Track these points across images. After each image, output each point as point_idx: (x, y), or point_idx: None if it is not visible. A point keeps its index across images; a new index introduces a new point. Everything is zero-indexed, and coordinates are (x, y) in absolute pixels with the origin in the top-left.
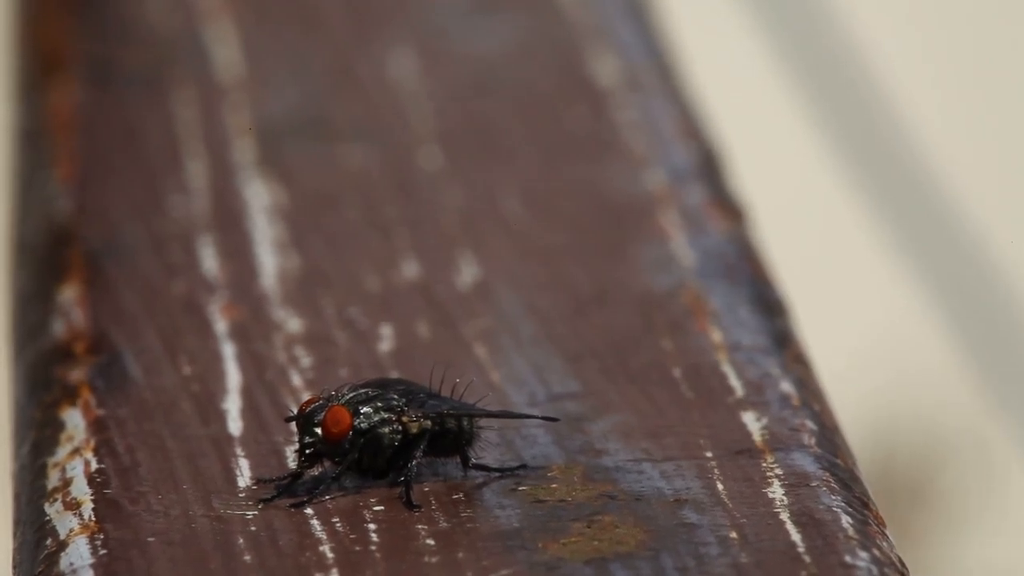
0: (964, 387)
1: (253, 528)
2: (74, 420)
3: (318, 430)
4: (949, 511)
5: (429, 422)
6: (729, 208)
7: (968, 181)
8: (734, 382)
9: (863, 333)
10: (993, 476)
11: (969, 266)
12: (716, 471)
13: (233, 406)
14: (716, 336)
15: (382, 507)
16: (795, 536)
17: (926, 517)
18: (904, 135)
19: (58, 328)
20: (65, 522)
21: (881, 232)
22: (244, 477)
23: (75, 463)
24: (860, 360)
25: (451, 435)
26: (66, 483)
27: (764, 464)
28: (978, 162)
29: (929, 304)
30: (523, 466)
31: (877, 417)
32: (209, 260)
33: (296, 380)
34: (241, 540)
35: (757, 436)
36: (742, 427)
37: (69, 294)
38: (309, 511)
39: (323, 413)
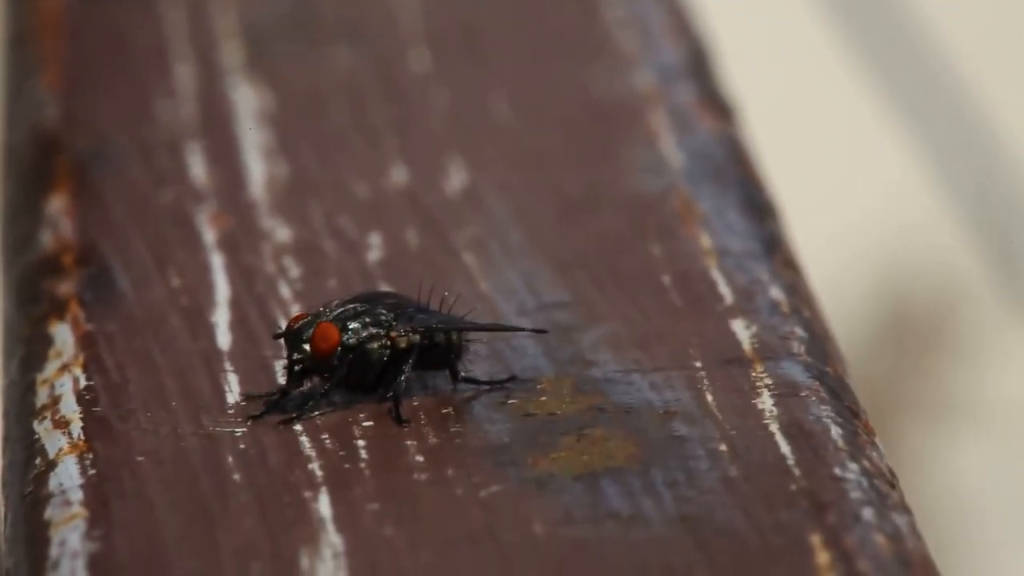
0: (968, 240)
1: (242, 446)
2: (63, 335)
3: (306, 346)
4: (964, 348)
5: (417, 337)
6: (718, 107)
7: (964, 37)
8: (723, 289)
9: (868, 193)
10: (1004, 313)
11: (965, 123)
12: (705, 381)
13: (222, 319)
14: (705, 241)
15: (371, 423)
16: (785, 448)
17: (941, 355)
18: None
19: (46, 239)
20: (54, 441)
21: (880, 99)
22: (233, 393)
23: (64, 380)
24: (868, 216)
25: (440, 349)
26: (55, 400)
27: (754, 374)
28: (972, 15)
29: (932, 167)
30: (512, 378)
31: (889, 263)
32: (197, 167)
33: (285, 292)
34: (231, 458)
35: (746, 344)
36: (731, 335)
37: (57, 204)
38: (298, 428)
39: (311, 329)
